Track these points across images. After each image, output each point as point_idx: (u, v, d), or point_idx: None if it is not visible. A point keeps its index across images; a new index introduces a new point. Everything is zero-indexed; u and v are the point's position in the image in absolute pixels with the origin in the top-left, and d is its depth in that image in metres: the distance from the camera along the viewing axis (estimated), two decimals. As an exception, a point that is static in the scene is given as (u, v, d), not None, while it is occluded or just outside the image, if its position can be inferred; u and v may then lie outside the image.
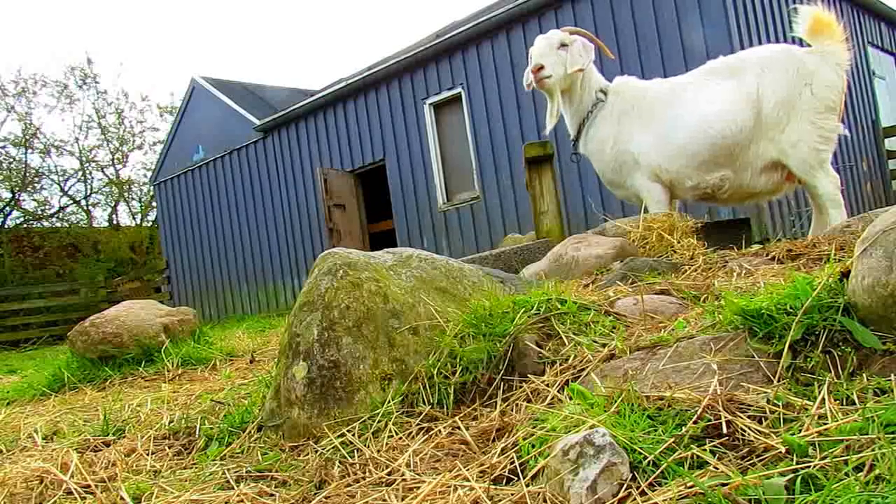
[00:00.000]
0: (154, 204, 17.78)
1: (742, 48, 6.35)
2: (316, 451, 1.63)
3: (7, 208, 19.43)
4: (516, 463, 1.25)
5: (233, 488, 1.49)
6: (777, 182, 3.94)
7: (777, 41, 7.68)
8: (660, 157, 4.04)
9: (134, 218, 22.00)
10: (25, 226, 19.63)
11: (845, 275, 1.39)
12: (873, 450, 0.97)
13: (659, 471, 1.06)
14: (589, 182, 8.36)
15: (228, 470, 1.62)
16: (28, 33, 40.44)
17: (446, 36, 10.03)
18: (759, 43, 7.54)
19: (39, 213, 20.37)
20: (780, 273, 2.05)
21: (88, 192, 21.23)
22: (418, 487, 1.28)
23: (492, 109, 9.65)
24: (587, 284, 2.52)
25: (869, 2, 10.03)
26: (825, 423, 1.09)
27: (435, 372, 1.76)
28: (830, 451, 1.01)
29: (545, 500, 1.09)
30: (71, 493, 1.61)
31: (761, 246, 2.83)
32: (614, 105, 4.23)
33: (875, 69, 10.23)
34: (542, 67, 4.13)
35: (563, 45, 4.18)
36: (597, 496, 1.02)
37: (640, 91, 4.21)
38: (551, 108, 4.36)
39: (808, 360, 1.31)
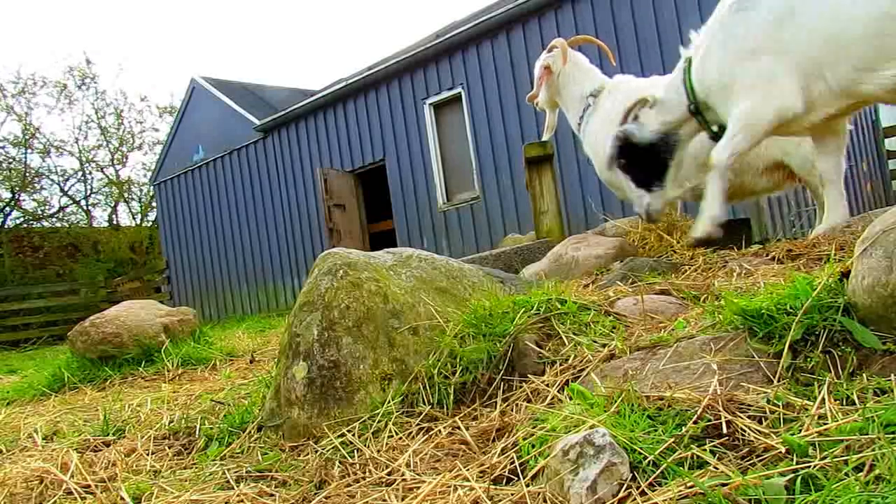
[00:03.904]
0: (154, 204, 17.78)
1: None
2: (316, 451, 1.63)
3: (7, 208, 19.44)
4: (516, 463, 1.25)
5: (233, 488, 1.49)
6: (778, 181, 3.93)
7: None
8: None
9: (134, 218, 22.01)
10: (25, 226, 19.63)
11: (845, 275, 1.39)
12: (873, 450, 0.96)
13: (659, 471, 1.06)
14: (589, 182, 8.36)
15: (228, 470, 1.62)
16: (27, 33, 40.46)
17: (446, 36, 10.03)
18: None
19: (39, 213, 20.39)
20: (780, 273, 2.05)
21: (88, 192, 21.25)
22: (418, 487, 1.28)
23: (492, 109, 9.65)
24: (587, 284, 2.52)
25: (869, 2, 10.02)
26: (825, 423, 1.09)
27: (435, 372, 1.76)
28: (830, 451, 1.01)
29: (545, 500, 1.09)
30: (71, 493, 1.61)
31: (761, 246, 2.83)
32: (607, 106, 4.23)
33: (875, 69, 10.21)
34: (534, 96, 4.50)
35: (547, 66, 4.47)
36: (597, 496, 1.02)
37: (635, 91, 4.19)
38: (548, 121, 4.64)
39: (808, 360, 1.31)
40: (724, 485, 0.96)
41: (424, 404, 1.72)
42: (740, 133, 2.77)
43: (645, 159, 3.11)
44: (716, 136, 2.99)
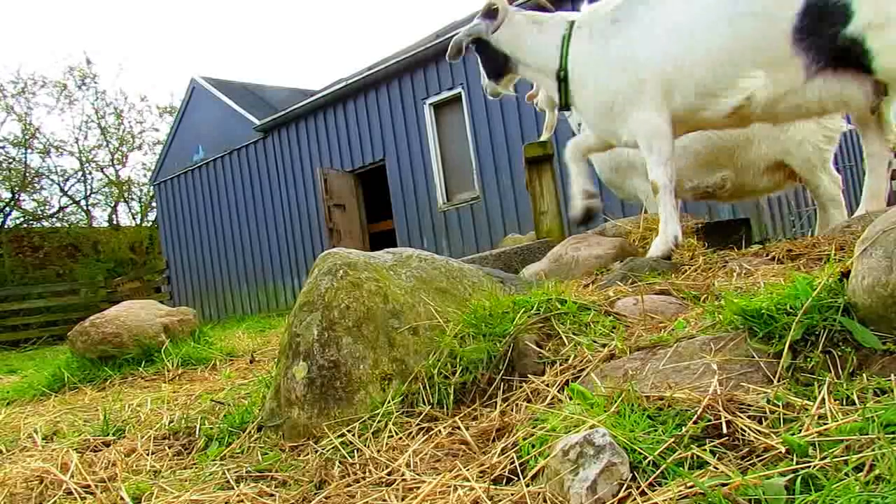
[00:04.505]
0: (154, 204, 17.79)
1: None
2: (316, 451, 1.63)
3: (7, 208, 19.44)
4: (516, 463, 1.25)
5: (233, 488, 1.49)
6: (779, 181, 3.93)
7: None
8: None
9: (134, 218, 22.03)
10: (25, 226, 19.64)
11: (845, 275, 1.39)
12: (873, 450, 0.97)
13: (659, 471, 1.06)
14: (589, 182, 8.35)
15: (228, 470, 1.62)
16: (28, 33, 40.46)
17: (446, 36, 10.02)
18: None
19: (39, 213, 20.40)
20: (780, 273, 2.04)
21: (88, 192, 21.26)
22: (418, 487, 1.28)
23: (492, 109, 9.65)
24: (587, 284, 2.52)
25: (869, 2, 10.02)
26: (825, 423, 1.09)
27: (435, 372, 1.76)
28: (830, 451, 1.01)
29: (545, 500, 1.09)
30: (71, 493, 1.61)
31: (761, 246, 2.83)
32: None
33: (875, 69, 10.21)
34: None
35: None
36: (597, 496, 1.02)
37: None
38: (547, 121, 4.58)
39: (808, 360, 1.31)
40: (724, 485, 0.96)
41: (424, 404, 1.72)
42: (654, 147, 2.87)
43: (490, 58, 3.47)
44: (564, 107, 3.23)
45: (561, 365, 1.66)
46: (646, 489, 1.03)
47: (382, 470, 1.42)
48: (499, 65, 3.47)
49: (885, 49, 2.37)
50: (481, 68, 3.65)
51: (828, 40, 2.47)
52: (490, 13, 3.35)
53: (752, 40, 2.58)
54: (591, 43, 3.01)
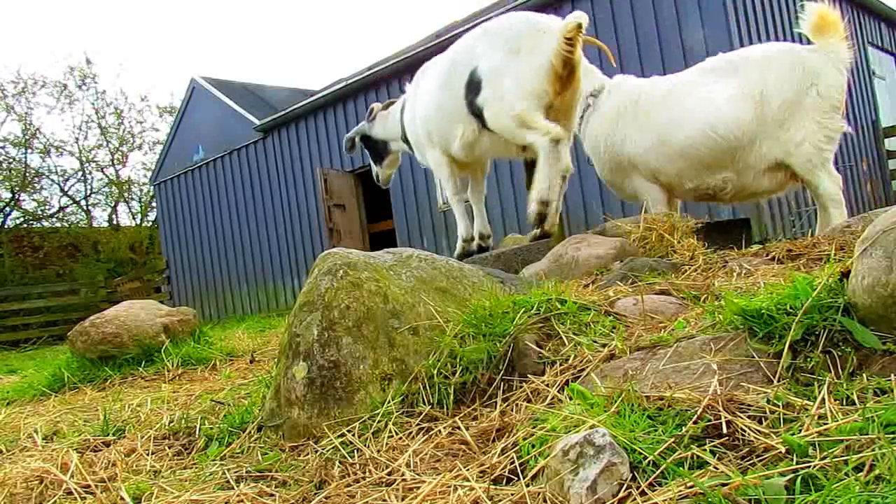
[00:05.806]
0: (154, 204, 17.79)
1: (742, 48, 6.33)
2: (316, 451, 1.63)
3: (7, 208, 19.43)
4: (516, 463, 1.25)
5: (233, 488, 1.49)
6: (780, 182, 3.92)
7: (777, 41, 7.67)
8: (658, 159, 4.03)
9: (134, 218, 22.00)
10: (25, 226, 19.63)
11: (845, 275, 1.39)
12: (873, 450, 0.97)
13: (659, 471, 1.06)
14: (589, 182, 8.35)
15: (228, 470, 1.62)
16: (28, 33, 40.46)
17: (446, 36, 10.02)
18: (759, 43, 7.53)
19: (39, 213, 20.38)
20: (780, 273, 2.05)
21: (88, 192, 21.24)
22: (418, 487, 1.28)
23: (492, 109, 9.62)
24: (587, 284, 2.52)
25: (869, 2, 10.03)
26: (825, 423, 1.09)
27: (435, 372, 1.76)
28: (830, 451, 1.01)
29: (545, 500, 1.09)
30: (71, 493, 1.61)
31: (761, 246, 2.83)
32: (608, 105, 4.22)
33: (875, 69, 10.22)
34: None
35: None
36: (597, 496, 1.02)
37: (635, 91, 4.18)
38: None
39: (808, 360, 1.31)
40: (724, 485, 0.96)
41: (424, 404, 1.72)
42: (438, 176, 4.52)
43: (372, 147, 5.18)
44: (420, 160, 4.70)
45: (561, 365, 1.66)
46: (646, 489, 1.03)
47: (382, 470, 1.42)
48: (380, 150, 5.11)
49: (490, 116, 3.73)
50: (370, 160, 5.25)
51: (476, 109, 3.77)
52: (370, 116, 5.06)
53: (453, 106, 3.95)
54: (409, 112, 4.53)
